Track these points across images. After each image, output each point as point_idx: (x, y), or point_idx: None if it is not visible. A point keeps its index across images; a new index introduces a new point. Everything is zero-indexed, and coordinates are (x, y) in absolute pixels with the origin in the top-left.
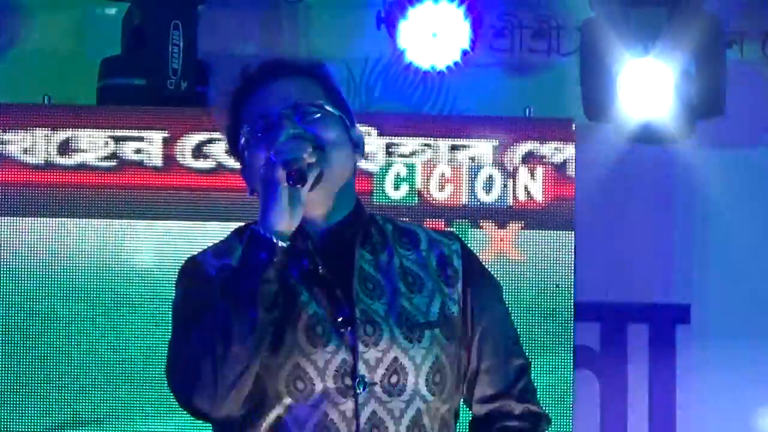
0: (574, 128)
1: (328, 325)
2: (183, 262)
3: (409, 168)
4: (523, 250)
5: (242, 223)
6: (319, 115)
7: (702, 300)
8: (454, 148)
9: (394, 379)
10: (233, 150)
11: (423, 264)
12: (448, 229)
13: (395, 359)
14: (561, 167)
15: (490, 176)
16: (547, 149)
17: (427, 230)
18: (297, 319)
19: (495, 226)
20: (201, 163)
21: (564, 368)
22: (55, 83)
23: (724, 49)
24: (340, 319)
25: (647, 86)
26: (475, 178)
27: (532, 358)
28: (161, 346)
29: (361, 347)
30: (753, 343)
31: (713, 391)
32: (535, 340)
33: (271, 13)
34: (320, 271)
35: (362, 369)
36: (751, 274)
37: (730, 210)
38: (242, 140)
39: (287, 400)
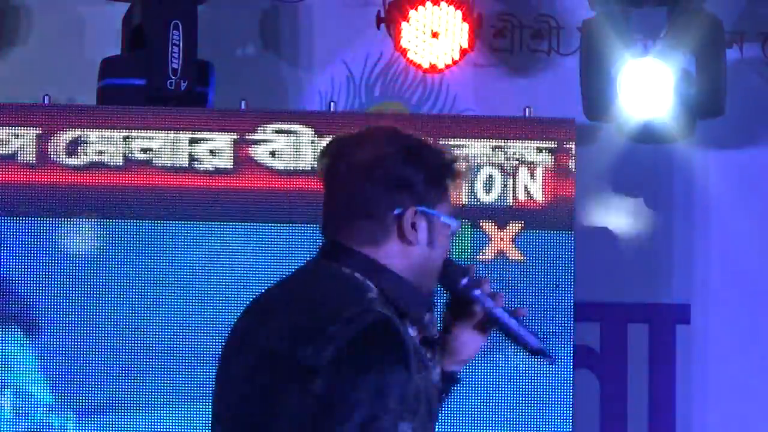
0: (574, 128)
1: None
2: (380, 325)
3: None
4: (523, 250)
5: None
6: None
7: (702, 300)
8: (453, 148)
9: None
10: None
11: None
12: None
13: None
14: (561, 167)
15: (490, 176)
16: (547, 149)
17: None
18: None
19: (495, 226)
20: (200, 163)
21: (564, 368)
22: (55, 83)
23: (724, 49)
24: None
25: (647, 86)
26: (475, 178)
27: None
28: (159, 345)
29: None
30: (753, 343)
31: (713, 391)
32: None
33: (271, 13)
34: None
35: None
36: (751, 274)
37: (730, 210)
38: (437, 218)
39: None
